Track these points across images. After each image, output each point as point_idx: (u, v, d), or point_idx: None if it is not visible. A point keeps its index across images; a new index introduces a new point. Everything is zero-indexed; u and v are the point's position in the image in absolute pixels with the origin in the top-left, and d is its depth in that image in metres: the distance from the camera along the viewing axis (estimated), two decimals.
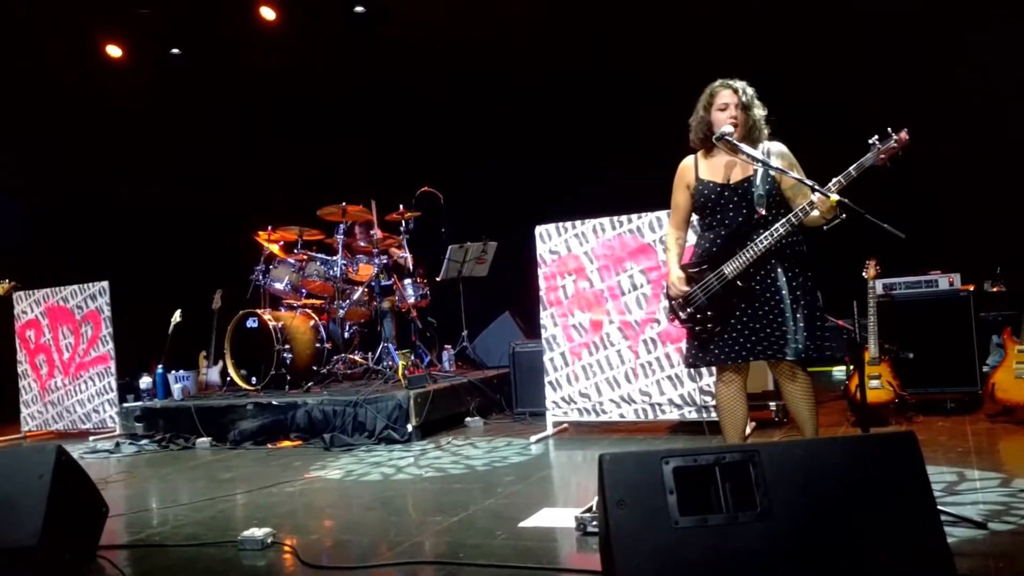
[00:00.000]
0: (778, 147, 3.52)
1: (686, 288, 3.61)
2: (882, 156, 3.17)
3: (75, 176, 9.93)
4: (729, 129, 3.44)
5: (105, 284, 7.57)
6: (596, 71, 8.17)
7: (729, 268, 3.47)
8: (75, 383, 7.71)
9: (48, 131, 9.43)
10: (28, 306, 8.01)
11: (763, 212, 3.43)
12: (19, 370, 8.04)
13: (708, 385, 5.21)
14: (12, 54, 8.78)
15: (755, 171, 3.46)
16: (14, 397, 8.03)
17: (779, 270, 3.45)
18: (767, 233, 3.37)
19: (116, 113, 9.70)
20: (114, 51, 9.52)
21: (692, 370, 5.08)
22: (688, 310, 3.61)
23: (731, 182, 3.54)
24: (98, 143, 9.70)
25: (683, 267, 3.67)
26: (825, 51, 7.21)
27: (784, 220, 3.36)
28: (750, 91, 3.55)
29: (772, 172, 3.43)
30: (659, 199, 5.45)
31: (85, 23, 9.03)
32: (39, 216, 9.53)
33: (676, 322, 3.74)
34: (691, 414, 5.31)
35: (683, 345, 4.06)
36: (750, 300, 3.47)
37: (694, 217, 3.78)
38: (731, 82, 3.56)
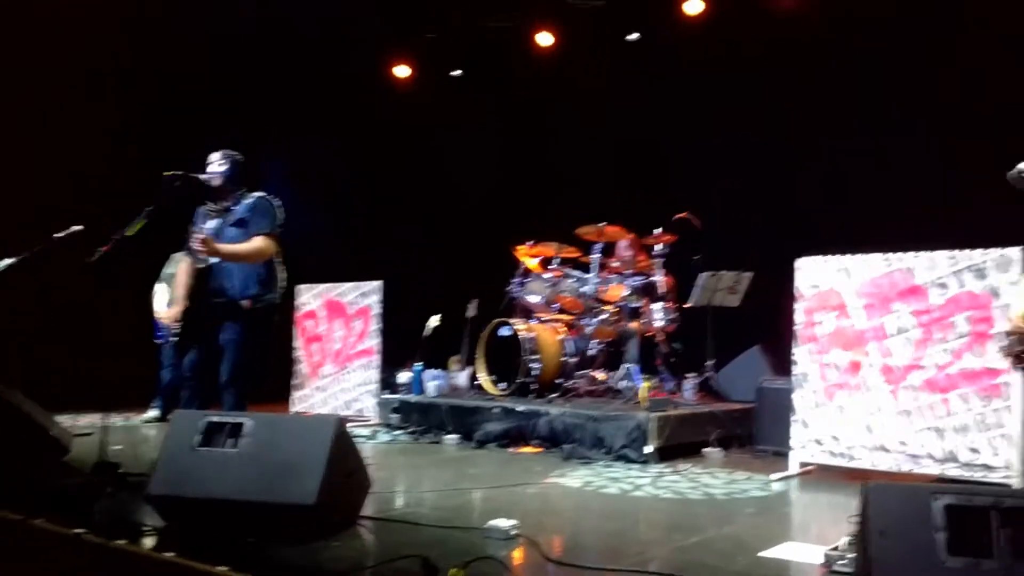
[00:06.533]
0: None
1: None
2: None
3: (353, 185, 10.91)
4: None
5: (379, 283, 8.16)
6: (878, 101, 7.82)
7: None
8: (342, 372, 8.38)
9: (337, 143, 10.51)
10: (309, 298, 8.82)
11: None
12: (294, 355, 8.87)
13: (974, 442, 4.83)
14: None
15: None
16: (287, 379, 8.87)
17: None
18: None
19: (397, 128, 10.58)
20: (402, 71, 10.44)
21: None
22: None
23: None
24: (375, 157, 10.63)
25: None
26: None
27: None
28: None
29: None
30: (932, 239, 5.18)
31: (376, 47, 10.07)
32: (327, 216, 10.53)
33: (1011, 360, 3.95)
34: (953, 471, 4.93)
35: None
36: None
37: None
38: None
